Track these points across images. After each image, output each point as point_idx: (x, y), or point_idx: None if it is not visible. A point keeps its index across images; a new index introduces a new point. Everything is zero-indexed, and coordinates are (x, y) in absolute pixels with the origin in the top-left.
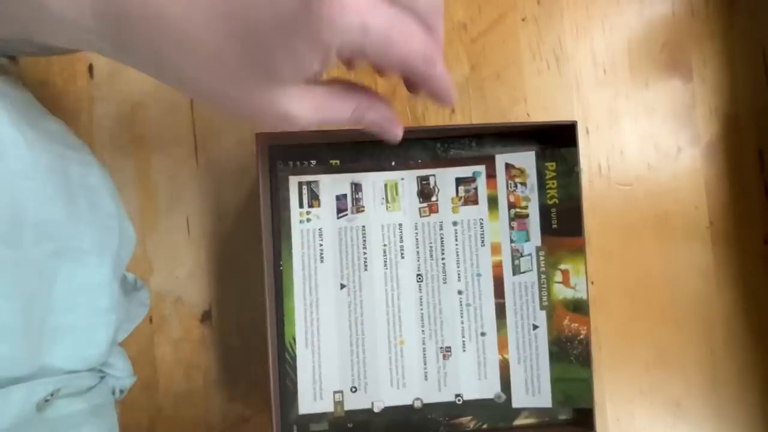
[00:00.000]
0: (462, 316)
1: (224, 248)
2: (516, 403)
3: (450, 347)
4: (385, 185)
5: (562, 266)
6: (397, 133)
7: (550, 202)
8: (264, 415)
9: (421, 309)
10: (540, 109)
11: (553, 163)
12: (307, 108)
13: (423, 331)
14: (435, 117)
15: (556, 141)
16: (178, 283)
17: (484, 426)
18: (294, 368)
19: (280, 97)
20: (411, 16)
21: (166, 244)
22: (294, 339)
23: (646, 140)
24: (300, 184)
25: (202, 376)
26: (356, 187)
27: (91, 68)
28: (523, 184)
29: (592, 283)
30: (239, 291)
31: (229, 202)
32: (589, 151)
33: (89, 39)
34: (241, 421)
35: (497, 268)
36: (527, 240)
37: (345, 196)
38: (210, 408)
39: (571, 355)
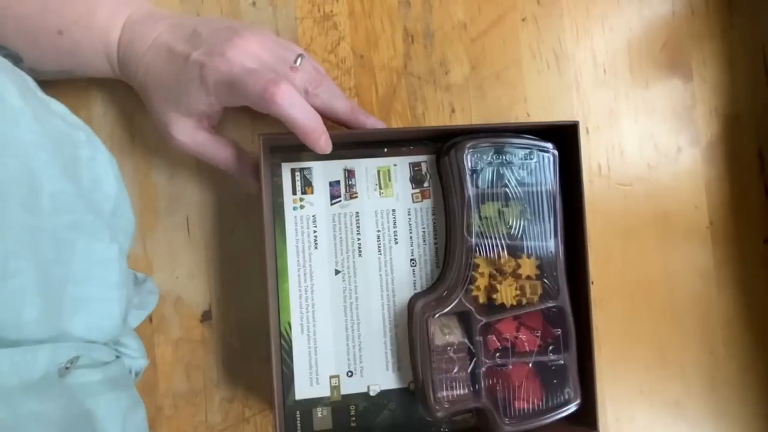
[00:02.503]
0: None
1: (224, 248)
2: None
3: None
4: (378, 171)
5: None
6: (255, 190)
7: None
8: (264, 415)
9: (415, 293)
10: (540, 109)
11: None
12: (184, 136)
13: None
14: (435, 117)
15: (557, 141)
16: (178, 283)
17: None
18: (290, 354)
19: (175, 122)
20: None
21: (166, 244)
22: (289, 325)
23: (646, 140)
24: (293, 170)
25: (202, 376)
26: (349, 174)
27: None
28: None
29: (592, 283)
30: (239, 291)
31: (229, 202)
32: (589, 151)
33: (108, 74)
34: (241, 421)
35: None
36: None
37: (338, 182)
38: (210, 408)
39: None
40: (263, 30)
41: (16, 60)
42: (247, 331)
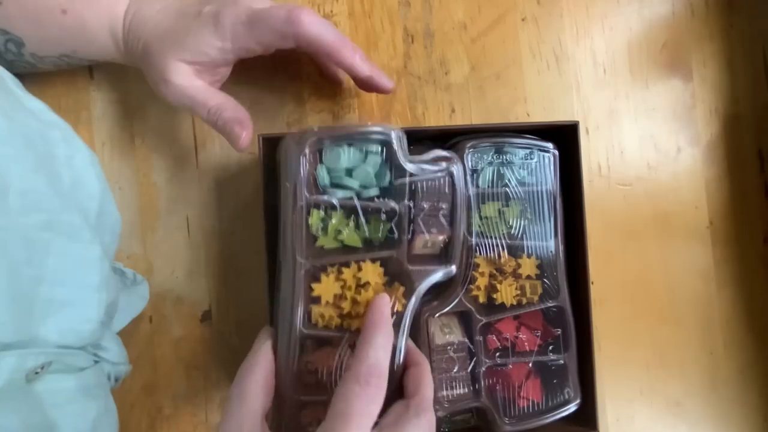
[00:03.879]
0: None
1: (224, 248)
2: None
3: None
4: None
5: None
6: (241, 137)
7: None
8: None
9: None
10: (540, 109)
11: None
12: (182, 82)
13: None
14: (435, 117)
15: (557, 141)
16: (178, 283)
17: None
18: None
19: (174, 66)
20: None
21: (166, 244)
22: None
23: (646, 140)
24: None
25: (202, 376)
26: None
27: (91, 69)
28: None
29: (592, 283)
30: (239, 291)
31: (229, 202)
32: (589, 151)
33: (114, 57)
34: None
35: None
36: None
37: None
38: (210, 408)
39: None
40: None
41: (18, 45)
42: (247, 331)
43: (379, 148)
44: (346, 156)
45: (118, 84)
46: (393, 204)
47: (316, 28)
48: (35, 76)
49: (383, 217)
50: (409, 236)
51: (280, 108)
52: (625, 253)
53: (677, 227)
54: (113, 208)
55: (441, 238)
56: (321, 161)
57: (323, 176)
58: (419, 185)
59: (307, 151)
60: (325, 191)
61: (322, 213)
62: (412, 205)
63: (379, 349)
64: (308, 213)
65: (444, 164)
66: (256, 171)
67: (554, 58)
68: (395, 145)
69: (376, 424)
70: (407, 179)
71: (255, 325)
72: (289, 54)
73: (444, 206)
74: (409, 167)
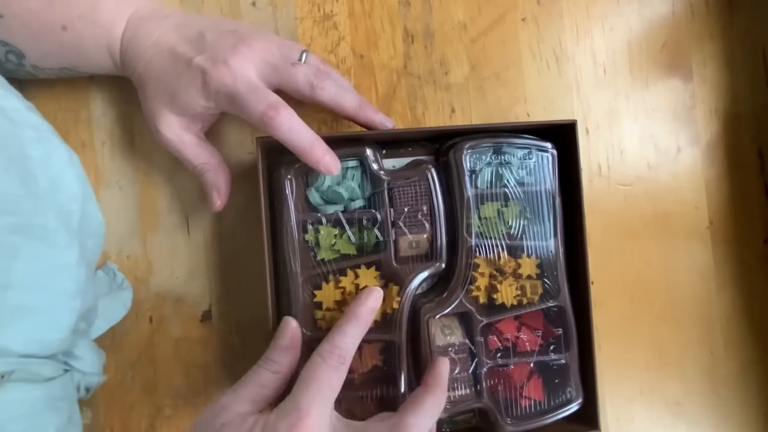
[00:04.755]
0: None
1: (224, 248)
2: None
3: None
4: None
5: None
6: (216, 204)
7: None
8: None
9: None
10: (540, 109)
11: None
12: (170, 133)
13: None
14: (435, 117)
15: (556, 140)
16: (178, 283)
17: None
18: None
19: (165, 118)
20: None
21: (166, 244)
22: None
23: (646, 140)
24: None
25: (202, 376)
26: None
27: None
28: None
29: (592, 283)
30: (239, 291)
31: (229, 202)
32: (589, 151)
33: (115, 73)
34: None
35: None
36: None
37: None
38: None
39: None
40: (269, 34)
41: (19, 56)
42: (247, 331)
43: (357, 163)
44: (328, 176)
45: (118, 84)
46: (374, 212)
47: (285, 135)
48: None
49: (369, 224)
50: (394, 239)
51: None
52: (625, 253)
53: (677, 227)
54: (96, 211)
55: (424, 237)
56: (308, 184)
57: (314, 196)
58: (397, 192)
59: (291, 175)
60: (317, 209)
61: (313, 228)
62: (392, 210)
63: (346, 336)
64: (304, 230)
65: (420, 169)
66: (256, 171)
67: (554, 58)
68: (370, 159)
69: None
70: (385, 188)
71: (255, 325)
72: None
73: (424, 208)
74: (386, 176)
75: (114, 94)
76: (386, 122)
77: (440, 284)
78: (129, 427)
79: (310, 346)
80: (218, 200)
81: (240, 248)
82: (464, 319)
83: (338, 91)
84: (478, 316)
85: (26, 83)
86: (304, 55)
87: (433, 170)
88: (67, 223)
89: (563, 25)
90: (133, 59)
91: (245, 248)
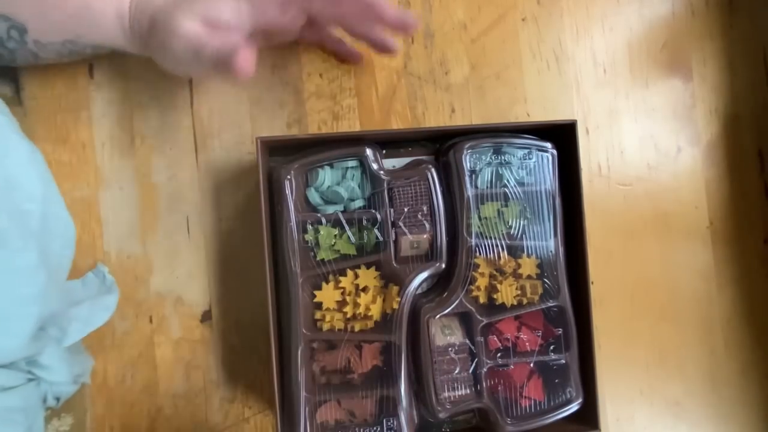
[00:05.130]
0: None
1: (224, 248)
2: None
3: None
4: None
5: None
6: (242, 65)
7: None
8: (264, 415)
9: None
10: (540, 109)
11: None
12: (194, 30)
13: None
14: (435, 117)
15: (556, 140)
16: (178, 283)
17: None
18: None
19: (187, 18)
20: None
21: (166, 244)
22: None
23: (646, 140)
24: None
25: (202, 376)
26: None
27: (91, 68)
28: None
29: (592, 283)
30: (239, 291)
31: (229, 202)
32: (589, 151)
33: (118, 41)
34: (241, 421)
35: None
36: None
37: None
38: (210, 408)
39: None
40: None
41: (21, 31)
42: (247, 331)
43: (357, 163)
44: (328, 176)
45: (118, 84)
46: (374, 212)
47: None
48: (36, 75)
49: (369, 225)
50: (394, 238)
51: (280, 108)
52: (625, 253)
53: (677, 227)
54: (62, 211)
55: (425, 237)
56: (308, 184)
57: (314, 196)
58: (396, 192)
59: (291, 176)
60: (317, 209)
61: (313, 228)
62: (392, 210)
63: None
64: (303, 230)
65: (420, 169)
66: (256, 171)
67: (554, 58)
68: (370, 159)
69: None
70: (385, 188)
71: (255, 325)
72: (289, 53)
73: (424, 208)
74: (386, 176)
75: (114, 95)
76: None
77: (440, 284)
78: (129, 427)
79: (310, 346)
80: (247, 63)
81: (240, 248)
82: (464, 319)
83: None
84: (478, 316)
85: (26, 83)
86: None
87: (433, 170)
88: (22, 224)
89: (563, 25)
90: (144, 7)
91: (245, 248)
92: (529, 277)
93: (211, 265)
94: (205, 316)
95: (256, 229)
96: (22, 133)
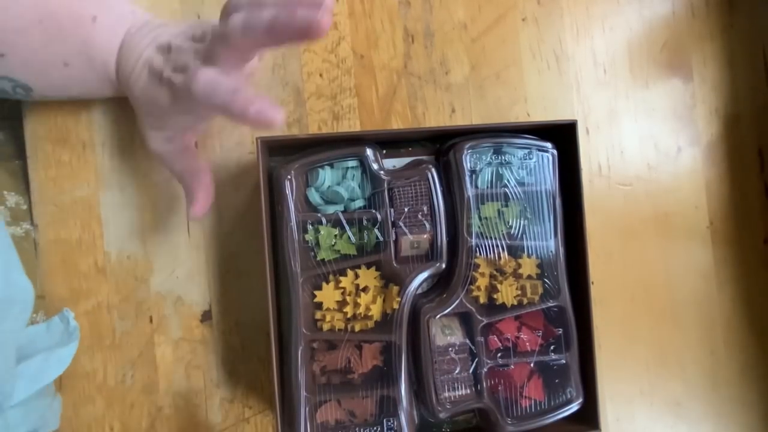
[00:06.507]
0: None
1: (224, 248)
2: None
3: None
4: None
5: None
6: (192, 215)
7: None
8: (264, 415)
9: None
10: (540, 109)
11: None
12: (156, 147)
13: None
14: (435, 117)
15: (557, 140)
16: (178, 283)
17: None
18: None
19: (148, 133)
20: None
21: (166, 244)
22: None
23: (646, 140)
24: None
25: (202, 376)
26: None
27: None
28: None
29: (592, 283)
30: (239, 291)
31: (229, 202)
32: (589, 151)
33: (118, 95)
34: (241, 421)
35: None
36: None
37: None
38: (210, 408)
39: None
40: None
41: (27, 90)
42: (247, 331)
43: (357, 163)
44: (328, 176)
45: None
46: (374, 211)
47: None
48: None
49: (369, 224)
50: (394, 238)
51: (280, 108)
52: (625, 253)
53: (677, 227)
54: (21, 278)
55: (425, 237)
56: (308, 184)
57: (314, 196)
58: (397, 192)
59: (291, 176)
60: (317, 209)
61: (314, 228)
62: (392, 210)
63: None
64: (304, 230)
65: (420, 169)
66: (256, 171)
67: (554, 58)
68: (370, 159)
69: None
70: (385, 187)
71: (255, 325)
72: (289, 53)
73: (424, 208)
74: (386, 176)
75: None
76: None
77: (440, 284)
78: (129, 427)
79: (310, 346)
80: (196, 212)
81: (240, 248)
82: (464, 319)
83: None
84: (479, 316)
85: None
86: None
87: (433, 170)
88: None
89: (563, 25)
90: (123, 80)
91: (245, 248)
92: (529, 277)
93: (211, 265)
94: (205, 316)
95: (256, 229)
96: None
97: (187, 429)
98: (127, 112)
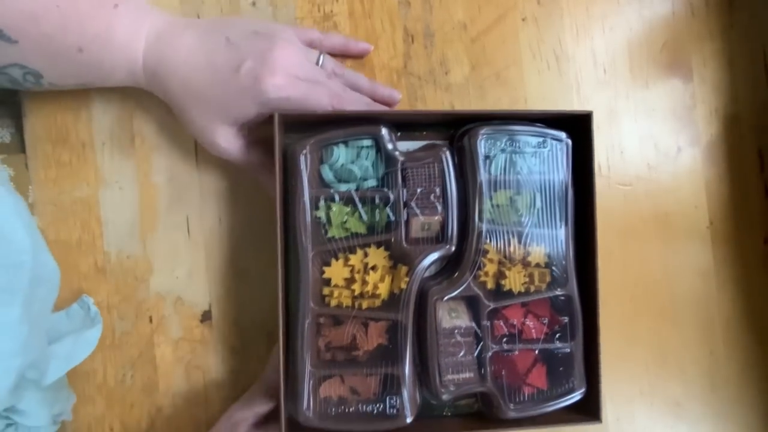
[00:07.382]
0: None
1: (224, 248)
2: None
3: None
4: None
5: None
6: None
7: None
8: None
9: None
10: (540, 108)
11: None
12: (229, 144)
13: None
14: None
15: (568, 132)
16: (178, 283)
17: None
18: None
19: (220, 130)
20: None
21: (166, 244)
22: None
23: (646, 140)
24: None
25: (202, 376)
26: None
27: None
28: None
29: None
30: (239, 291)
31: (229, 202)
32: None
33: (129, 85)
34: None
35: None
36: None
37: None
38: (210, 408)
39: None
40: (286, 32)
41: (37, 76)
42: (247, 331)
43: (372, 143)
44: (343, 154)
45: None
46: (387, 191)
47: (354, 106)
48: None
49: (381, 204)
50: (405, 219)
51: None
52: (625, 253)
53: (677, 227)
54: (49, 258)
55: (436, 218)
56: (322, 161)
57: (327, 173)
58: (410, 172)
59: (306, 151)
60: (330, 186)
61: (325, 205)
62: (405, 190)
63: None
64: (315, 207)
65: (435, 151)
66: (272, 146)
67: (554, 58)
68: (385, 139)
69: None
70: (399, 167)
71: (255, 325)
72: None
73: (437, 190)
74: (400, 157)
75: (114, 94)
76: (394, 94)
77: (449, 267)
78: (129, 427)
79: (317, 321)
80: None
81: (240, 248)
82: (471, 303)
83: (352, 75)
84: (486, 301)
85: None
86: (321, 58)
87: (447, 152)
88: (13, 278)
89: (563, 25)
90: (163, 80)
91: (245, 248)
92: (537, 265)
93: (211, 265)
94: (205, 316)
95: (256, 229)
96: (7, 184)
97: (187, 429)
98: (128, 112)
